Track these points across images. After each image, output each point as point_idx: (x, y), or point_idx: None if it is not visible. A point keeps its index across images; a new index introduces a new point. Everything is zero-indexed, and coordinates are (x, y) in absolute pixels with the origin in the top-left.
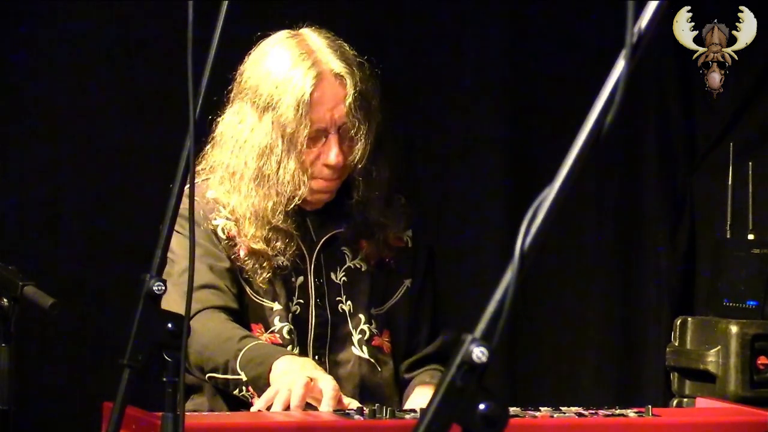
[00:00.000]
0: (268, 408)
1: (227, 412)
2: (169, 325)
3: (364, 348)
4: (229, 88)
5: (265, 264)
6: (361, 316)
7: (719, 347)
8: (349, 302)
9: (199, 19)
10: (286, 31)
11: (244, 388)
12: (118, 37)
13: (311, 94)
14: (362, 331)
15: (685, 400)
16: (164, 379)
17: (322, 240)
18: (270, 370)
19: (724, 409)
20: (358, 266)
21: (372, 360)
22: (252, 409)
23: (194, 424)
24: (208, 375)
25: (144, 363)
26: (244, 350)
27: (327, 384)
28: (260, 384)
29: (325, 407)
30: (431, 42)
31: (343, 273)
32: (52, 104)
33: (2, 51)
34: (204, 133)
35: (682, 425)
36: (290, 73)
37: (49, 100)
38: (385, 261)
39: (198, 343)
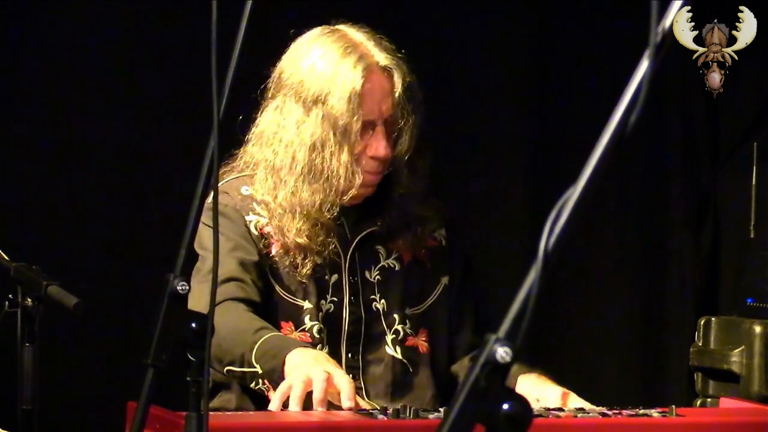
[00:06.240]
0: (285, 403)
1: (252, 412)
2: (193, 325)
3: (398, 348)
4: (264, 86)
5: (307, 260)
6: (396, 316)
7: (743, 347)
8: (383, 301)
9: (223, 18)
10: (322, 27)
11: (260, 381)
12: (145, 36)
13: (362, 86)
14: (396, 332)
15: (709, 400)
16: (188, 379)
17: (358, 238)
18: (284, 362)
19: (748, 409)
20: (392, 265)
21: (405, 361)
22: (269, 406)
23: (218, 424)
24: (226, 369)
25: (168, 362)
26: (259, 342)
27: (344, 382)
28: (275, 377)
29: (345, 405)
30: (455, 40)
31: (378, 272)
32: (77, 104)
33: (33, 49)
34: (230, 133)
35: (706, 425)
36: (338, 67)
37: (75, 99)
38: (419, 260)
39: (217, 335)
